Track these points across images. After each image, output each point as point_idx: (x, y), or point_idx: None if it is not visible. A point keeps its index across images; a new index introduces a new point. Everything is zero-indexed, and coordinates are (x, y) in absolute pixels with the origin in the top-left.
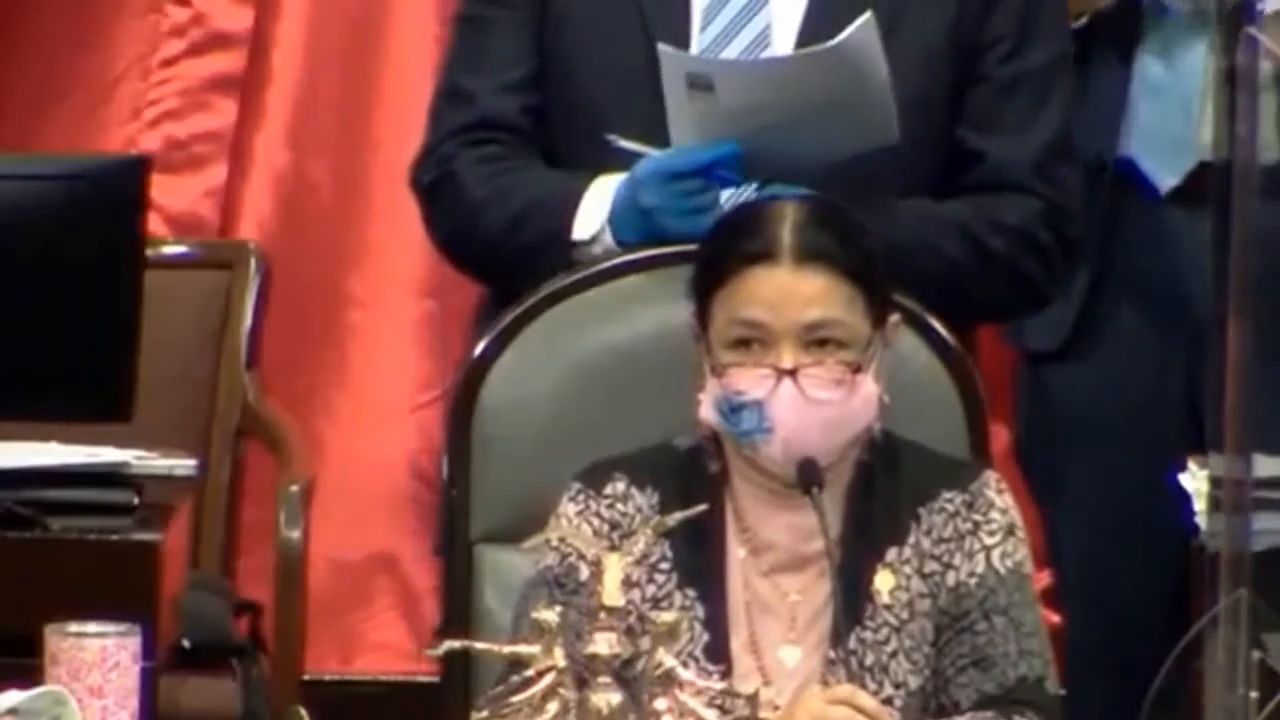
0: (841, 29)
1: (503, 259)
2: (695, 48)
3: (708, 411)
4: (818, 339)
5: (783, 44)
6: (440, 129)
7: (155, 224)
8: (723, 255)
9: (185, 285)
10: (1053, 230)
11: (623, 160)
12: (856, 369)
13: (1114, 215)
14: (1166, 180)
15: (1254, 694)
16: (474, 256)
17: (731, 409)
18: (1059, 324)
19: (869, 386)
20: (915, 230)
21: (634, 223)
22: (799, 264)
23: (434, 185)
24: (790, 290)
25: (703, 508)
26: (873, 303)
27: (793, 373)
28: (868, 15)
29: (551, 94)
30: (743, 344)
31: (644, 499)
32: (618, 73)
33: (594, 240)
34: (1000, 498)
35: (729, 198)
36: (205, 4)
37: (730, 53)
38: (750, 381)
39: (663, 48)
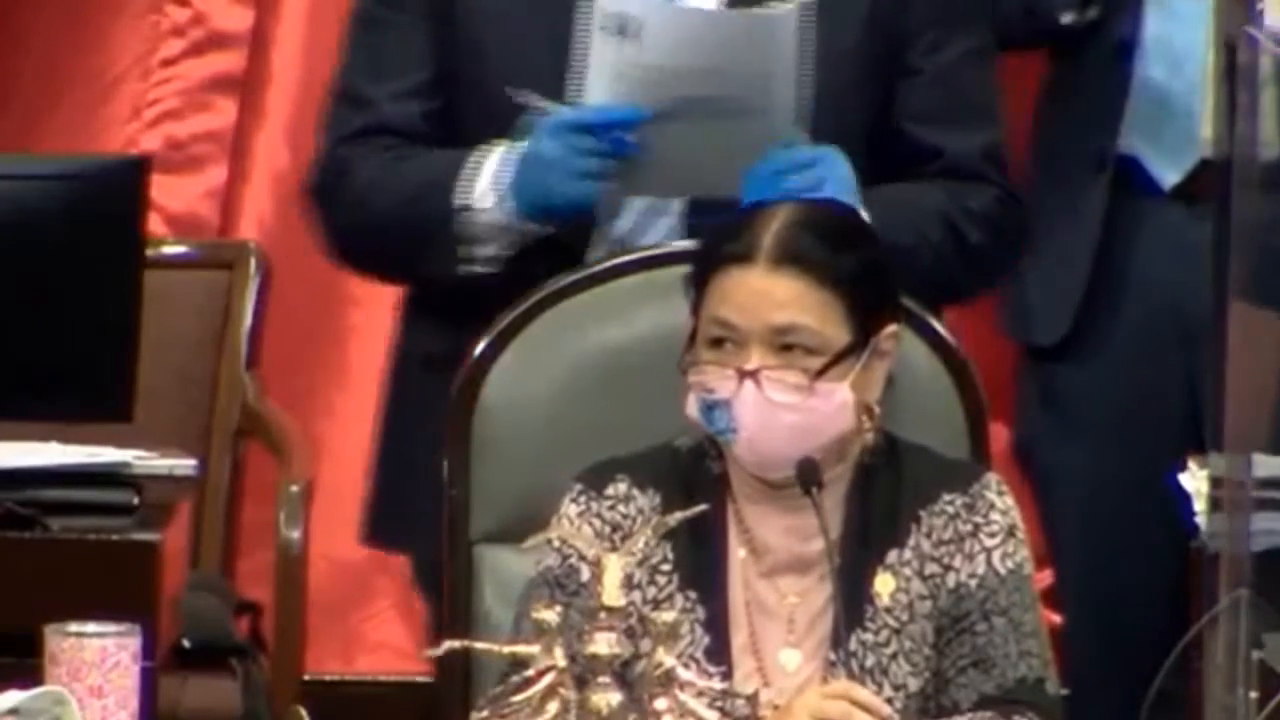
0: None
1: (395, 240)
2: None
3: (691, 409)
4: (786, 343)
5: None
6: (334, 133)
7: (155, 224)
8: (708, 254)
9: (185, 285)
10: (1010, 216)
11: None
12: (818, 374)
13: (1115, 211)
14: (1169, 177)
15: (1254, 694)
16: (367, 246)
17: (707, 407)
18: (1057, 321)
19: (842, 394)
20: (886, 214)
21: (530, 180)
22: (773, 267)
23: (323, 184)
24: (762, 293)
25: (703, 508)
26: (855, 311)
27: (754, 374)
28: (795, 4)
29: (463, 86)
30: (718, 343)
31: (645, 500)
32: (530, 51)
33: (483, 206)
34: (1001, 499)
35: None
36: (205, 4)
37: None
38: (719, 381)
39: None
